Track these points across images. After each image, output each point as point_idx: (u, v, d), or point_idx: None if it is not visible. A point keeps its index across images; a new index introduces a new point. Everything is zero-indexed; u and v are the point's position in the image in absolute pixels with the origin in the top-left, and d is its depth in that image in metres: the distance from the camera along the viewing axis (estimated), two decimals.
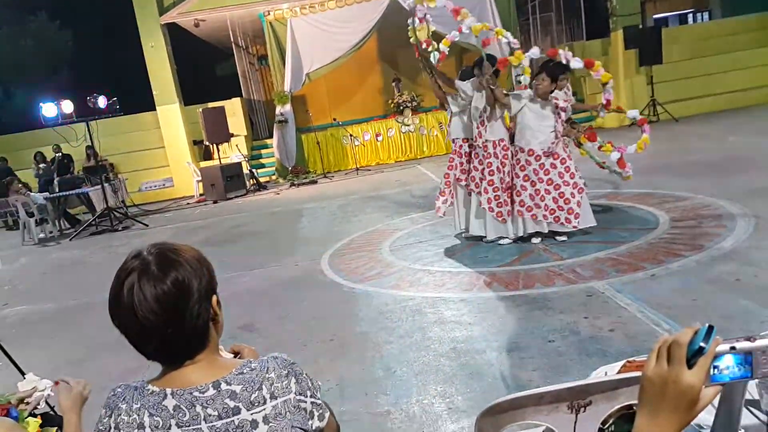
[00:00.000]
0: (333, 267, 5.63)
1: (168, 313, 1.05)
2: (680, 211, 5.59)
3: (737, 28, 14.37)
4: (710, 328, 0.74)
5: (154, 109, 13.29)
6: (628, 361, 1.30)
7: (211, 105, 12.87)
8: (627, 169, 5.78)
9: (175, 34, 13.38)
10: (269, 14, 12.68)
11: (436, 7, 5.70)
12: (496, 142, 5.34)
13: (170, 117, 13.14)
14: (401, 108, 13.56)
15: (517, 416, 1.25)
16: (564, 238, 5.24)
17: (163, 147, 13.44)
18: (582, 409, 1.25)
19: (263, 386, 1.08)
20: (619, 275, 4.22)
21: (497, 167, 5.35)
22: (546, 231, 5.26)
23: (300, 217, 8.46)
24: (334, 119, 13.04)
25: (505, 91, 5.33)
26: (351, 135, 13.09)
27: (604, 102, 5.66)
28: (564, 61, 5.36)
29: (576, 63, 5.41)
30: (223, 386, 1.07)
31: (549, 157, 5.12)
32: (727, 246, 4.44)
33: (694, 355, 0.73)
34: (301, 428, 1.11)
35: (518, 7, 13.84)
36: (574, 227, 5.15)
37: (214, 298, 1.16)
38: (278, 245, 6.96)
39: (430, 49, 5.72)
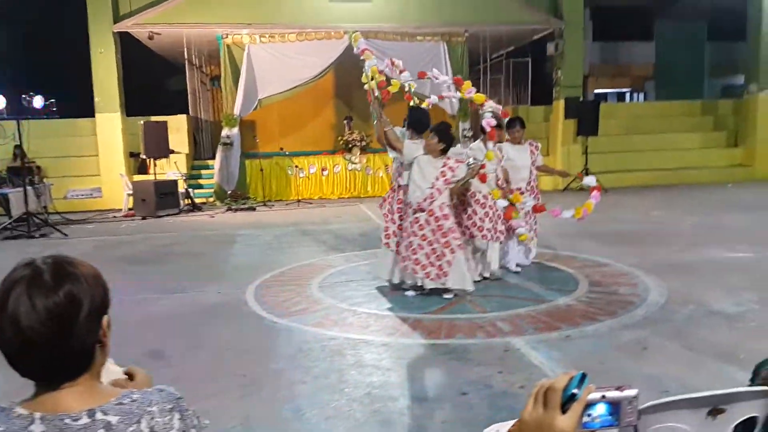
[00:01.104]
0: (258, 298, 5.52)
1: (55, 327, 0.99)
2: (599, 277, 5.82)
3: (667, 111, 15.43)
4: (583, 375, 0.78)
5: (94, 116, 12.88)
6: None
7: (154, 118, 12.59)
8: (524, 226, 5.79)
9: (127, 43, 13.12)
10: (227, 37, 12.66)
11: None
12: (404, 188, 5.44)
13: (109, 126, 12.75)
14: (350, 146, 13.68)
15: None
16: (450, 296, 5.22)
17: (96, 155, 12.98)
18: None
19: (143, 420, 1.03)
20: (537, 333, 4.33)
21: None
22: (420, 284, 5.30)
23: (232, 244, 8.30)
24: (281, 148, 13.00)
25: (412, 140, 5.31)
26: (297, 166, 13.06)
27: (486, 127, 5.54)
28: (433, 80, 5.81)
29: (443, 78, 5.81)
30: (99, 415, 1.01)
31: (424, 212, 5.14)
32: (639, 314, 4.64)
33: (567, 401, 0.76)
34: None
35: (471, 66, 14.36)
36: (443, 285, 5.18)
37: (105, 319, 1.10)
38: (204, 270, 6.78)
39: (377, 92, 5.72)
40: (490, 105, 5.69)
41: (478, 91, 5.74)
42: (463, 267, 5.19)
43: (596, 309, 4.85)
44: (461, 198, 5.55)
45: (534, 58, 15.50)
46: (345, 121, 14.08)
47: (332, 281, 6.03)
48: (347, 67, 13.61)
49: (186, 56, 13.49)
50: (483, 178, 5.41)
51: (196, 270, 6.80)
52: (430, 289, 5.27)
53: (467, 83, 5.74)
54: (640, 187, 13.01)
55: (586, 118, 12.78)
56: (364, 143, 13.69)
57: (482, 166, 5.29)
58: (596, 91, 21.42)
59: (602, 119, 13.00)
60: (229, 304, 5.38)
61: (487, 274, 5.85)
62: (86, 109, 13.02)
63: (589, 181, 5.74)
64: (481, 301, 5.17)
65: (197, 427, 1.11)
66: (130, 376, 1.33)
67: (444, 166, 5.10)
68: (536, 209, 5.98)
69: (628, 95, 22.64)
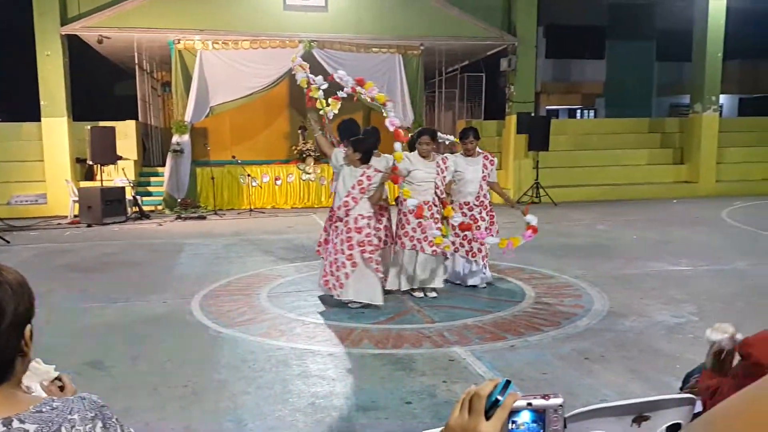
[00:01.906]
0: (204, 308, 5.41)
1: None
2: (545, 288, 5.93)
3: (616, 128, 15.93)
4: (507, 382, 0.78)
5: (39, 120, 12.44)
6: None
7: (102, 124, 12.25)
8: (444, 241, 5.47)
9: (75, 46, 12.75)
10: (179, 43, 12.44)
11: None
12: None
13: (55, 131, 12.33)
14: (304, 156, 13.61)
15: None
16: (356, 305, 5.26)
17: (41, 161, 12.53)
18: None
19: (62, 428, 1.00)
20: (482, 343, 4.37)
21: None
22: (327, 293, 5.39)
23: (179, 253, 8.12)
24: (233, 156, 12.82)
25: (346, 149, 5.30)
26: (249, 175, 12.89)
27: (390, 126, 5.31)
28: (337, 80, 5.44)
29: (346, 79, 5.40)
30: (15, 424, 0.97)
31: (339, 221, 5.24)
32: (582, 325, 4.75)
33: (491, 407, 0.76)
34: None
35: (426, 80, 14.53)
36: (338, 297, 5.23)
37: (28, 328, 1.07)
38: (149, 279, 6.60)
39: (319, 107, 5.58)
40: (390, 107, 5.42)
41: (381, 92, 5.43)
42: (371, 280, 5.19)
43: (541, 320, 4.93)
44: (379, 205, 5.48)
45: (488, 73, 15.78)
46: (299, 131, 14.02)
47: (281, 291, 5.97)
48: None
49: (136, 61, 13.20)
50: (395, 180, 5.42)
51: (141, 279, 6.62)
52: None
53: (369, 83, 5.44)
54: (588, 201, 13.36)
55: (537, 133, 13.06)
56: (317, 153, 13.65)
57: (394, 168, 5.25)
58: (548, 107, 21.94)
59: (553, 135, 13.31)
60: (174, 314, 5.25)
61: (414, 286, 5.66)
62: (32, 113, 12.57)
63: (530, 219, 5.58)
64: (429, 312, 5.20)
65: None
66: (62, 386, 1.29)
67: (362, 175, 5.17)
68: (462, 227, 5.54)
69: (579, 112, 23.26)
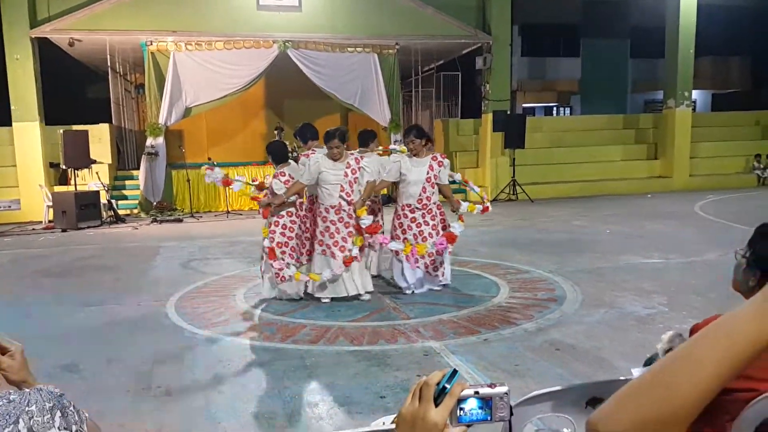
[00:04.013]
0: (179, 310, 5.38)
1: None
2: (520, 283, 6.00)
3: (591, 125, 16.12)
4: (454, 371, 0.82)
5: (11, 125, 12.25)
6: None
7: (75, 128, 12.09)
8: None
9: (46, 49, 12.57)
10: (152, 44, 12.31)
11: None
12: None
13: (27, 135, 12.14)
14: None
15: None
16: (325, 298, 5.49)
17: (14, 166, 12.33)
18: None
19: (20, 420, 1.00)
20: (456, 337, 4.42)
21: None
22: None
23: (155, 256, 8.05)
24: (210, 158, 12.73)
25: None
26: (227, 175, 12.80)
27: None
28: None
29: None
30: None
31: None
32: (554, 318, 4.82)
33: (439, 395, 0.80)
34: None
35: (402, 79, 14.58)
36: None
37: None
38: (124, 283, 6.55)
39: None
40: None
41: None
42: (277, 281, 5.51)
43: (515, 313, 4.99)
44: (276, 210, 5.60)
45: (464, 72, 15.88)
46: (275, 131, 13.94)
47: (257, 292, 5.95)
48: (277, 76, 13.57)
49: (109, 63, 13.03)
50: (261, 187, 5.92)
51: (116, 283, 6.56)
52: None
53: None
54: (565, 198, 13.51)
55: (513, 131, 13.16)
56: (296, 154, 13.60)
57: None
58: (524, 105, 22.13)
59: (529, 132, 13.43)
60: (149, 317, 5.22)
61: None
62: (3, 118, 12.37)
63: (455, 227, 5.65)
64: (405, 308, 5.23)
65: (78, 423, 1.08)
66: (2, 350, 1.27)
67: (347, 167, 5.43)
68: (369, 230, 5.42)
69: (555, 109, 23.50)
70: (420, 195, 5.59)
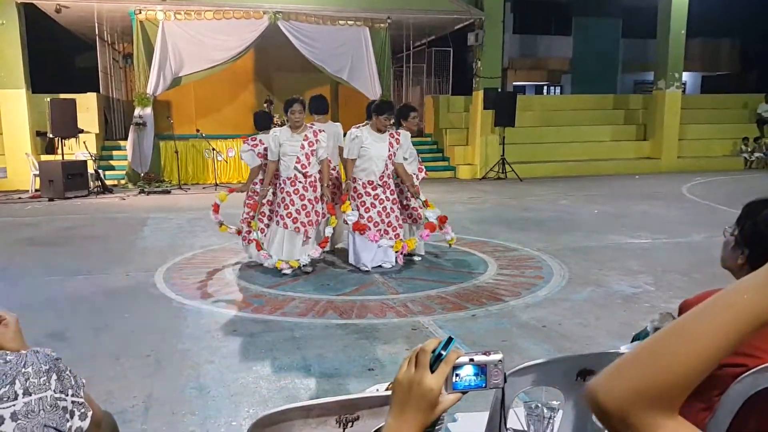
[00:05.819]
0: (167, 281, 5.38)
1: None
2: (507, 260, 6.05)
3: (580, 104, 16.12)
4: (450, 339, 0.85)
5: None
6: None
7: (62, 96, 11.89)
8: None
9: (32, 16, 12.29)
10: (141, 13, 12.07)
11: None
12: None
13: (14, 103, 11.93)
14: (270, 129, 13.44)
15: (284, 429, 1.27)
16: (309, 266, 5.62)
17: (0, 134, 12.16)
18: (350, 423, 1.31)
19: (17, 381, 1.01)
20: (444, 312, 4.47)
21: None
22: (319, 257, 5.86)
23: (143, 226, 8.01)
24: (198, 130, 12.61)
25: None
26: (214, 149, 12.69)
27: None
28: None
29: None
30: None
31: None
32: (541, 295, 4.88)
33: (435, 361, 0.83)
34: (55, 428, 1.05)
35: (393, 54, 14.44)
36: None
37: None
38: (111, 253, 6.52)
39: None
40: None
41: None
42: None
43: (502, 290, 5.05)
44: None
45: (456, 49, 15.76)
46: (265, 104, 13.80)
47: (246, 264, 5.96)
48: (267, 48, 13.41)
49: (97, 32, 12.79)
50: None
51: (103, 252, 6.54)
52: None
53: None
54: (553, 177, 13.55)
55: (503, 109, 13.12)
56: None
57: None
58: (515, 83, 22.06)
59: (519, 111, 13.39)
60: (137, 287, 5.22)
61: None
62: None
63: (429, 215, 5.54)
64: (394, 284, 5.27)
65: (74, 387, 1.09)
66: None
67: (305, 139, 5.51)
68: (355, 227, 5.48)
69: (545, 88, 23.45)
70: (382, 172, 5.57)
